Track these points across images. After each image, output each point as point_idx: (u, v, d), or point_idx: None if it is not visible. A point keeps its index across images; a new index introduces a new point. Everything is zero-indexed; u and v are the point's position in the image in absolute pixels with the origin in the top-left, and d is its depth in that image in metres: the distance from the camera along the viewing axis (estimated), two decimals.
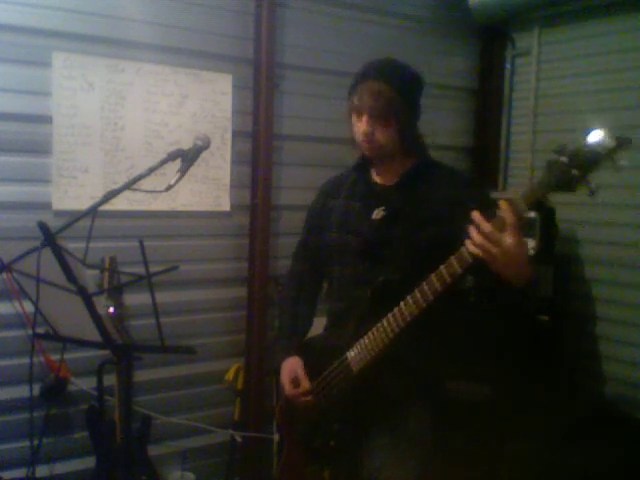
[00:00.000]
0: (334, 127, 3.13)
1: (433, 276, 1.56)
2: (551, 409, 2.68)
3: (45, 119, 2.51)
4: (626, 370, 2.97)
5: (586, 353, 3.12)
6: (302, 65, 3.06)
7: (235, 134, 2.92)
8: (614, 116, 3.00)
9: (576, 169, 1.39)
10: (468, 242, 1.47)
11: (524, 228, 1.50)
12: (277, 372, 1.97)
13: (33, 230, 1.51)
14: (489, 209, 1.62)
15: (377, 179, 1.86)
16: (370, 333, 1.70)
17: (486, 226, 1.43)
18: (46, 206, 2.52)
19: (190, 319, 2.91)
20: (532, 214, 2.94)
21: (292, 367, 1.89)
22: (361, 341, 1.72)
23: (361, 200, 1.84)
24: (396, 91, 1.71)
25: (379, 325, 1.68)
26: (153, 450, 2.75)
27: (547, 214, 2.95)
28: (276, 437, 2.90)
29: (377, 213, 1.78)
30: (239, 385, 3.03)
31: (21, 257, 1.54)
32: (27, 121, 2.49)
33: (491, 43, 3.61)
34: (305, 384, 1.85)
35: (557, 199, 3.03)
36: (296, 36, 3.03)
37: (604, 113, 3.06)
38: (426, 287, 1.58)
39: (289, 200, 3.08)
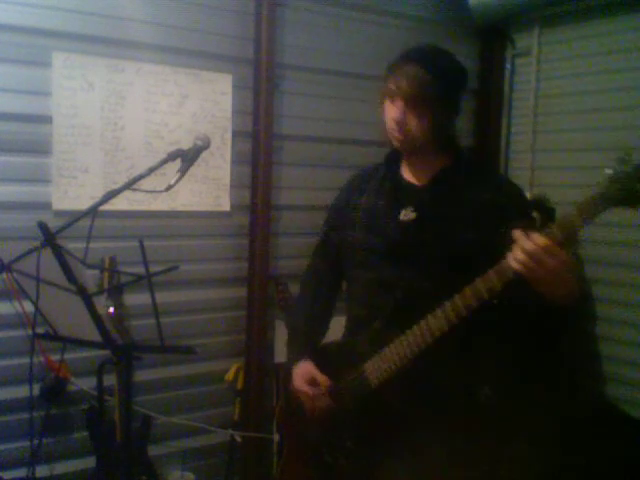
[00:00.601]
0: (334, 127, 3.14)
1: (468, 289, 1.44)
2: (551, 409, 2.68)
3: (45, 119, 2.50)
4: (626, 370, 2.97)
5: (586, 353, 3.12)
6: (302, 65, 3.05)
7: (235, 134, 2.92)
8: (614, 116, 3.00)
9: None
10: (510, 257, 1.37)
11: (576, 243, 1.40)
12: (288, 375, 1.85)
13: (33, 230, 1.51)
14: (529, 217, 1.62)
15: (407, 176, 1.72)
16: (392, 345, 1.57)
17: (530, 245, 1.33)
18: (46, 206, 2.52)
19: (190, 319, 2.91)
20: (532, 214, 2.93)
21: (306, 369, 1.77)
22: (382, 353, 1.60)
23: (388, 198, 1.70)
24: (436, 79, 1.56)
25: (403, 337, 1.56)
26: (153, 450, 2.76)
27: (547, 214, 2.94)
28: (276, 437, 2.90)
29: (405, 214, 1.64)
30: (239, 385, 3.03)
31: (21, 257, 1.54)
32: (27, 121, 2.49)
33: (491, 43, 3.60)
34: (325, 382, 1.71)
35: (556, 199, 3.03)
36: (296, 36, 3.02)
37: (604, 113, 3.06)
38: (459, 301, 1.46)
39: (289, 200, 3.08)
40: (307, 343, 1.85)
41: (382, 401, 1.60)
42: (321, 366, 1.76)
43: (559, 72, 3.29)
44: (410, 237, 1.62)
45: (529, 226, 1.41)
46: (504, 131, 3.60)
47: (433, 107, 1.59)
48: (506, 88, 3.58)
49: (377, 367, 1.60)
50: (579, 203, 1.37)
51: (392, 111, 1.61)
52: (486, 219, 1.57)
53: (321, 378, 1.73)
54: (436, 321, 1.49)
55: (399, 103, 1.60)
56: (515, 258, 1.36)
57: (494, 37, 3.58)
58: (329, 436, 1.73)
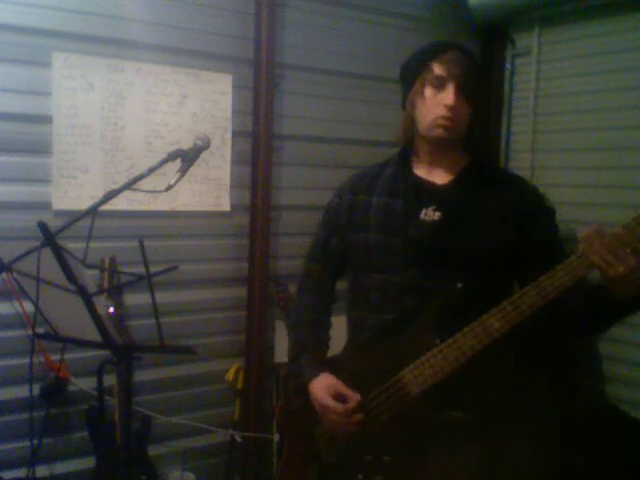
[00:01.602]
0: (334, 127, 3.14)
1: (532, 289, 1.39)
2: (551, 409, 2.68)
3: (45, 119, 2.50)
4: (626, 370, 2.97)
5: (586, 353, 3.11)
6: (302, 65, 3.05)
7: (235, 134, 2.92)
8: (614, 116, 3.00)
9: None
10: (589, 252, 1.33)
11: None
12: (302, 390, 1.69)
13: (33, 230, 1.51)
14: (553, 217, 1.62)
15: (424, 175, 1.64)
16: (437, 350, 1.48)
17: (613, 242, 1.31)
18: (46, 206, 2.52)
19: (190, 319, 2.91)
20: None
21: (327, 383, 1.62)
22: (423, 359, 1.50)
23: (406, 197, 1.61)
24: (479, 69, 1.56)
25: (451, 341, 1.46)
26: (153, 450, 2.75)
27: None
28: (276, 437, 2.90)
29: (427, 213, 1.56)
30: (239, 385, 3.02)
31: (21, 257, 1.54)
32: (27, 121, 2.49)
33: (491, 43, 3.60)
34: (355, 397, 1.58)
35: (556, 199, 3.03)
36: (296, 36, 3.02)
37: (604, 113, 3.06)
38: (521, 300, 1.40)
39: (289, 200, 3.08)
40: (320, 356, 1.73)
41: (424, 409, 1.51)
42: (343, 378, 1.64)
43: (559, 72, 3.29)
44: (439, 237, 1.54)
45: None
46: (504, 131, 3.59)
47: (477, 97, 1.56)
48: (506, 88, 3.57)
49: (418, 374, 1.50)
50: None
51: (443, 97, 1.52)
52: (515, 219, 1.54)
53: (349, 393, 1.60)
54: (495, 321, 1.42)
55: (452, 89, 1.52)
56: (597, 253, 1.32)
57: (494, 37, 3.57)
58: (360, 453, 1.60)
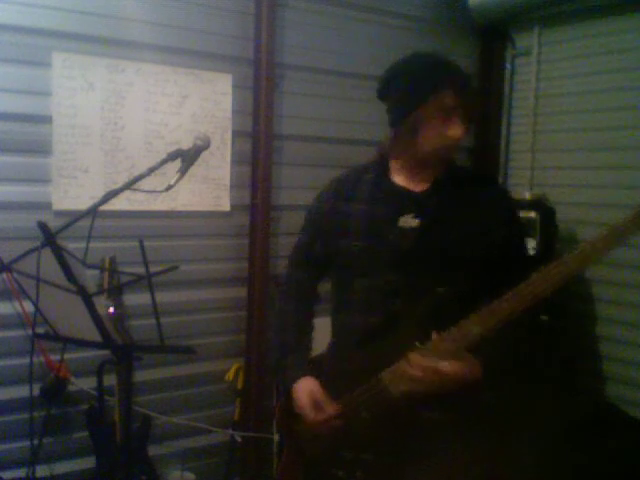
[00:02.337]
0: (334, 127, 3.14)
1: (511, 296, 1.41)
2: (551, 409, 2.68)
3: (45, 119, 2.50)
4: (626, 370, 2.97)
5: (586, 353, 3.12)
6: (302, 65, 3.06)
7: (235, 134, 2.92)
8: (614, 116, 3.00)
9: None
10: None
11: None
12: (284, 391, 1.76)
13: (33, 230, 1.51)
14: (521, 223, 1.70)
15: (401, 182, 1.66)
16: (418, 351, 1.51)
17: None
18: (46, 206, 2.52)
19: (190, 319, 2.91)
20: (532, 214, 2.94)
21: (309, 389, 1.68)
22: (403, 362, 1.53)
23: (385, 205, 1.64)
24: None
25: (429, 345, 1.50)
26: (153, 450, 2.76)
27: (547, 214, 2.95)
28: (276, 437, 2.90)
29: (406, 221, 1.60)
30: (239, 385, 3.03)
31: (21, 257, 1.54)
32: (27, 121, 2.49)
33: (491, 43, 3.60)
34: (331, 408, 1.63)
35: (556, 199, 3.03)
36: (296, 36, 3.02)
37: (604, 113, 3.06)
38: (499, 307, 1.42)
39: (289, 200, 3.08)
40: (303, 358, 1.77)
41: (404, 409, 1.55)
42: (323, 379, 1.70)
43: (559, 72, 3.29)
44: (418, 244, 1.57)
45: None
46: (504, 131, 3.60)
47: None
48: (506, 88, 3.58)
49: (399, 375, 1.53)
50: (611, 226, 1.38)
51: (452, 128, 1.57)
52: (493, 224, 1.59)
53: (327, 404, 1.64)
54: (473, 327, 1.45)
55: (459, 121, 1.57)
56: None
57: (494, 37, 3.58)
58: (341, 450, 1.65)
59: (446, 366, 1.46)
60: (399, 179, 1.67)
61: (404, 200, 1.63)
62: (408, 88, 1.59)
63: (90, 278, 1.59)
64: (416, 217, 1.60)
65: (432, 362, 1.47)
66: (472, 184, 1.66)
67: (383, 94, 1.68)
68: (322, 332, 1.87)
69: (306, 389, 1.68)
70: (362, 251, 1.64)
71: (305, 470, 1.80)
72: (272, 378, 3.03)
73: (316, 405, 1.65)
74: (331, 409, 1.63)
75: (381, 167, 1.70)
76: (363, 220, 1.65)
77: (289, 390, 1.72)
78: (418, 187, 1.65)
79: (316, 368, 1.73)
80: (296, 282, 1.86)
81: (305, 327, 1.83)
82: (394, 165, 1.69)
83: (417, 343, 1.51)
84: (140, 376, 2.76)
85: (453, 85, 1.56)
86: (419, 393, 1.50)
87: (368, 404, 1.59)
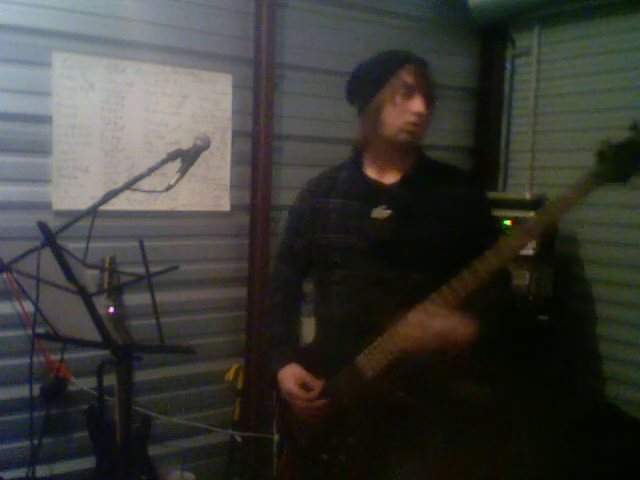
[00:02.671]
0: (334, 127, 3.14)
1: (466, 272, 1.52)
2: (551, 409, 2.68)
3: (45, 119, 2.50)
4: (626, 370, 2.97)
5: (586, 353, 3.12)
6: (302, 65, 3.06)
7: (235, 134, 2.92)
8: (614, 116, 3.00)
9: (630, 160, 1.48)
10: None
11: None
12: (274, 381, 1.83)
13: (33, 230, 1.51)
14: (490, 207, 1.78)
15: (374, 176, 1.75)
16: (387, 335, 1.60)
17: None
18: (46, 206, 2.52)
19: (190, 319, 2.91)
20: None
21: (293, 372, 1.76)
22: (375, 345, 1.62)
23: (359, 199, 1.72)
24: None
25: (397, 326, 1.59)
26: (153, 450, 2.76)
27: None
28: (276, 437, 2.90)
29: (378, 212, 1.68)
30: (239, 385, 3.03)
31: (21, 257, 1.54)
32: (27, 121, 2.49)
33: (491, 43, 3.60)
34: (318, 385, 1.72)
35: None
36: (296, 36, 3.03)
37: (604, 113, 3.06)
38: (457, 284, 1.53)
39: (289, 200, 3.02)
40: (289, 348, 1.85)
41: (379, 391, 1.63)
42: (309, 368, 1.76)
43: (559, 72, 3.29)
44: (390, 234, 1.66)
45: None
46: (504, 131, 3.60)
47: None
48: (506, 88, 3.58)
49: (370, 359, 1.62)
50: (573, 184, 1.51)
51: (412, 105, 1.63)
52: (461, 212, 1.66)
53: (312, 381, 1.73)
54: (435, 306, 1.55)
55: (420, 97, 1.63)
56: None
57: (494, 37, 3.58)
58: (326, 435, 1.73)
59: (444, 318, 1.53)
60: (372, 173, 1.76)
61: (377, 193, 1.71)
62: (369, 76, 1.70)
63: (90, 278, 1.59)
64: (388, 208, 1.68)
65: (430, 317, 1.54)
66: (441, 174, 1.74)
67: (350, 94, 1.81)
68: (310, 331, 1.94)
69: (290, 374, 1.76)
70: (339, 243, 1.72)
71: (295, 458, 1.86)
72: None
73: (303, 385, 1.73)
74: (317, 385, 1.72)
75: (355, 163, 1.79)
76: (339, 214, 1.74)
77: (276, 380, 1.80)
78: (390, 179, 1.73)
79: (300, 358, 1.80)
80: (282, 279, 1.94)
81: (292, 321, 1.92)
82: (367, 159, 1.77)
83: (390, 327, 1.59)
84: (140, 376, 2.76)
85: (410, 64, 1.65)
86: (420, 351, 1.55)
87: (347, 389, 1.67)
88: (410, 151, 1.73)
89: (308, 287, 1.93)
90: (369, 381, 1.63)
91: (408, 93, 1.64)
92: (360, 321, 1.67)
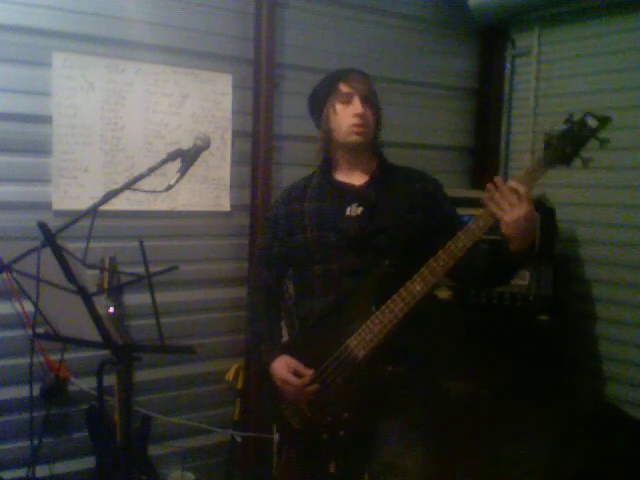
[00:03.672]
0: None
1: (441, 253, 1.68)
2: (551, 409, 2.68)
3: (45, 119, 2.51)
4: (626, 370, 2.97)
5: (586, 353, 3.12)
6: (302, 65, 3.06)
7: (235, 134, 2.92)
8: (614, 116, 2.99)
9: (569, 146, 1.65)
10: (487, 201, 1.63)
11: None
12: (265, 374, 1.95)
13: (33, 230, 1.51)
14: (449, 199, 1.96)
15: (344, 179, 1.93)
16: (374, 317, 1.75)
17: (507, 192, 1.60)
18: (46, 206, 2.52)
19: (190, 319, 2.91)
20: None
21: (285, 362, 1.89)
22: (364, 327, 1.76)
23: (333, 200, 1.91)
24: (374, 86, 1.92)
25: (384, 308, 1.74)
26: (153, 450, 2.76)
27: (547, 214, 2.94)
28: (276, 437, 2.90)
29: (352, 210, 1.87)
30: (239, 385, 3.03)
31: (21, 257, 1.54)
32: (27, 121, 2.49)
33: (491, 43, 3.60)
34: (308, 372, 1.84)
35: (556, 199, 3.03)
36: (296, 36, 3.03)
37: (604, 113, 3.05)
38: (435, 263, 1.69)
39: None
40: (275, 344, 1.97)
41: (370, 368, 1.77)
42: (298, 358, 1.88)
43: (559, 72, 3.29)
44: (363, 228, 1.84)
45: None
46: (504, 131, 3.60)
47: (377, 107, 1.90)
48: (506, 88, 3.58)
49: (361, 340, 1.76)
50: (527, 168, 1.67)
51: (352, 109, 1.84)
52: (421, 204, 1.87)
53: (303, 369, 1.85)
54: (417, 285, 1.71)
55: (357, 101, 1.85)
56: (492, 200, 1.63)
57: (494, 37, 3.58)
58: (322, 417, 1.84)
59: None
60: (341, 177, 1.95)
61: (348, 193, 1.91)
62: (317, 95, 1.97)
63: (90, 278, 1.59)
64: (360, 206, 1.87)
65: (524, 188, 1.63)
66: (403, 174, 1.95)
67: (311, 115, 2.03)
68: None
69: (282, 364, 1.89)
70: (317, 241, 1.89)
71: (294, 443, 1.99)
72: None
73: (296, 372, 1.86)
74: (309, 372, 1.84)
75: (325, 170, 1.97)
76: (315, 215, 1.91)
77: (268, 372, 1.92)
78: (359, 181, 1.92)
79: (287, 351, 1.93)
80: (262, 280, 2.07)
81: (274, 316, 2.05)
82: (334, 166, 1.96)
83: (373, 308, 1.76)
84: (140, 376, 2.76)
85: (346, 76, 1.89)
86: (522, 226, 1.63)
87: (340, 370, 1.80)
88: (372, 156, 1.94)
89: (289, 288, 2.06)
90: (362, 360, 1.77)
91: (347, 100, 1.86)
92: (340, 309, 1.84)
